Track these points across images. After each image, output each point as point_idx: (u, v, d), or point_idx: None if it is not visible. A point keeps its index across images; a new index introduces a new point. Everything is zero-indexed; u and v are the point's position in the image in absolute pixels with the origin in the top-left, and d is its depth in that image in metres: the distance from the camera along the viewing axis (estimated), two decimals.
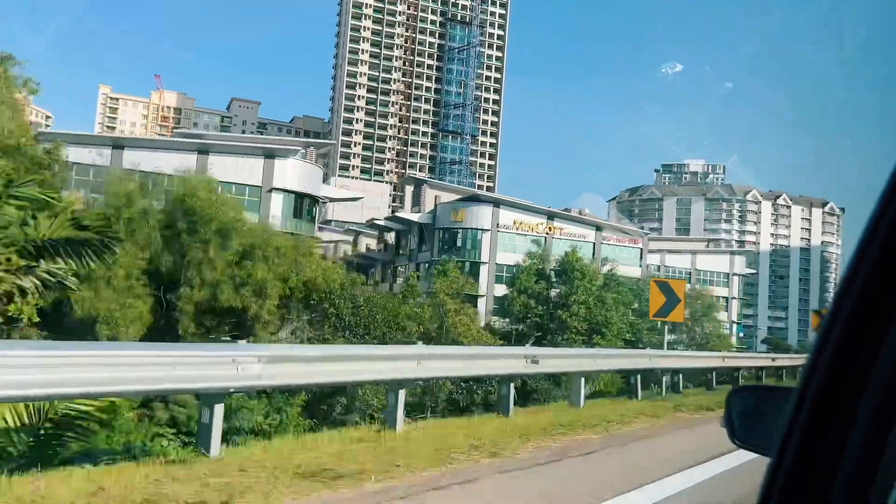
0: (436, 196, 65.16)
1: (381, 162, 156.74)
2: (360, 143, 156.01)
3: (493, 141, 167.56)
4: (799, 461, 1.01)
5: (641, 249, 67.62)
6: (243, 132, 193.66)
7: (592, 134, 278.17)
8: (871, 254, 0.99)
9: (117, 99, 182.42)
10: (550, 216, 64.91)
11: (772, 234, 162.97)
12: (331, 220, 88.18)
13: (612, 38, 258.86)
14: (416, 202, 67.95)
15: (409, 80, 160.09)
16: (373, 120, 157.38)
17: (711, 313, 48.12)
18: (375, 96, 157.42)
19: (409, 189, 71.47)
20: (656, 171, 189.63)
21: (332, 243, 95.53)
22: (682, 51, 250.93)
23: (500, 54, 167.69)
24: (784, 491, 1.01)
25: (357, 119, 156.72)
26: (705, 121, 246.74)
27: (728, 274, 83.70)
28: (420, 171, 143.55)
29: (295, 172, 48.47)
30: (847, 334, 1.00)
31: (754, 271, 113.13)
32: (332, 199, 67.89)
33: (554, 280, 42.06)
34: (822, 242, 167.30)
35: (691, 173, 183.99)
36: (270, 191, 47.14)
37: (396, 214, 63.91)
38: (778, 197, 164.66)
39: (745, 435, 1.72)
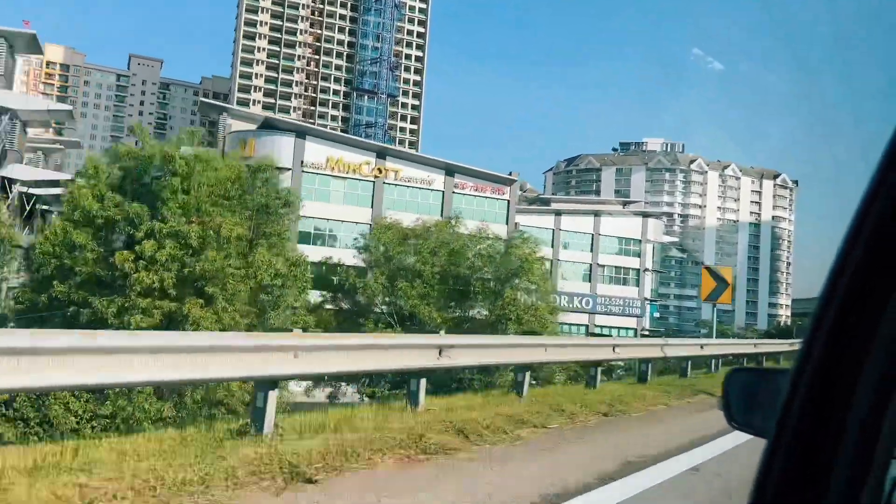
0: (228, 125, 48.31)
1: None
2: (259, 102, 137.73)
3: (416, 103, 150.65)
4: (796, 443, 1.01)
5: (508, 202, 51.51)
6: (143, 93, 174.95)
7: (536, 104, 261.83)
8: (864, 233, 0.96)
9: None
10: (381, 154, 48.46)
11: (719, 208, 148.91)
12: None
13: None
14: (213, 137, 51.03)
15: (318, 31, 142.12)
16: (275, 76, 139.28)
17: (526, 276, 30.96)
18: (278, 48, 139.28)
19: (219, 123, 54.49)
20: (614, 149, 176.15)
21: None
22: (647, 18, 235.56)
23: (423, 6, 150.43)
24: (781, 473, 1.01)
25: (257, 74, 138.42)
26: (667, 97, 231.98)
27: (640, 241, 68.30)
28: None
29: None
30: (842, 315, 0.99)
31: (675, 239, 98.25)
32: None
33: (133, 195, 24.45)
34: (774, 217, 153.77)
35: (649, 152, 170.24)
36: None
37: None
38: (726, 167, 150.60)
39: (742, 417, 1.72)
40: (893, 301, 0.96)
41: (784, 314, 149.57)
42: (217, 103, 55.77)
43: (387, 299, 28.94)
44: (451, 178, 49.93)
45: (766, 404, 1.51)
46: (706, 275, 20.77)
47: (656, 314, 72.86)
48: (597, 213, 66.98)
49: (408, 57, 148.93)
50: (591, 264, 66.66)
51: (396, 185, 48.10)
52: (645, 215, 69.08)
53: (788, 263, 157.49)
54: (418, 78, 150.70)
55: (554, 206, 70.43)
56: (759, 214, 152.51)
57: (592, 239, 66.21)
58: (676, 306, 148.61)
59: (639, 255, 68.29)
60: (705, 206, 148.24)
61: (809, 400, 1.00)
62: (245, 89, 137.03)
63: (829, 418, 0.98)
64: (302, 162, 45.50)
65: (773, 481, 1.01)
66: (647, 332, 68.09)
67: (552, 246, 65.93)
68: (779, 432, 1.02)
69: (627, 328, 68.23)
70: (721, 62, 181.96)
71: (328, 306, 32.22)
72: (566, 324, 67.91)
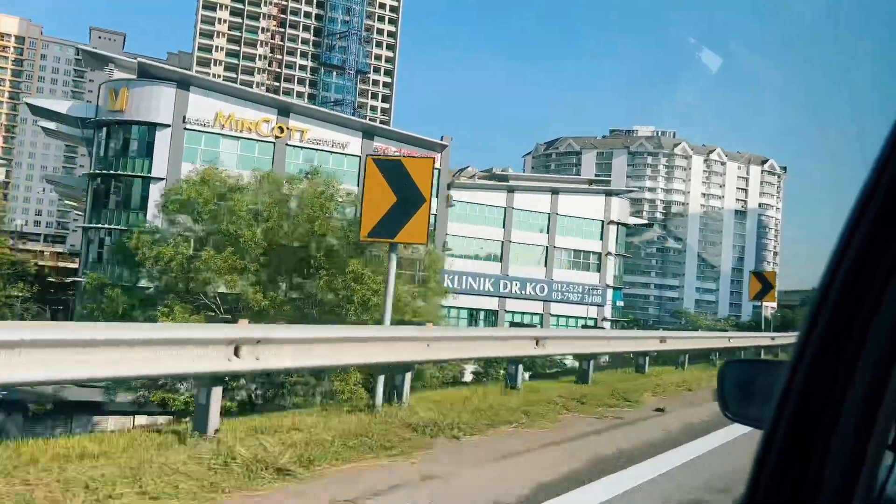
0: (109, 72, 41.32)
1: None
2: (220, 76, 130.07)
3: (389, 80, 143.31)
4: (791, 434, 1.02)
5: (439, 171, 44.64)
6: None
7: (524, 90, 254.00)
8: (865, 224, 0.96)
9: None
10: (284, 111, 41.52)
11: (703, 195, 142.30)
12: None
13: None
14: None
15: (284, 2, 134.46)
16: (237, 49, 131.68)
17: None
18: (241, 20, 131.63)
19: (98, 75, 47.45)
20: (604, 137, 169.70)
21: None
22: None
23: None
24: (776, 463, 1.02)
25: (217, 47, 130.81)
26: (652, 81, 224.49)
27: (602, 222, 61.58)
28: None
29: None
30: (838, 308, 0.99)
31: (644, 221, 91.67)
32: None
33: None
34: (760, 205, 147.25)
35: (633, 137, 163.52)
36: None
37: (30, 102, 39.84)
38: (711, 152, 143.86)
39: (737, 408, 1.74)
40: (889, 294, 0.94)
41: (770, 305, 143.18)
42: (101, 52, 48.76)
43: (192, 276, 22.20)
44: (370, 140, 42.98)
45: (762, 396, 1.52)
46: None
47: (620, 302, 66.19)
48: (555, 191, 60.17)
49: (380, 32, 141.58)
50: (546, 247, 59.92)
51: (302, 147, 41.18)
52: (608, 194, 62.27)
53: (775, 253, 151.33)
54: (391, 54, 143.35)
55: (511, 182, 63.61)
56: (745, 201, 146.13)
57: (549, 219, 59.49)
58: (657, 296, 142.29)
59: (601, 238, 61.61)
60: (689, 192, 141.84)
61: (805, 391, 0.99)
62: (205, 63, 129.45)
63: (824, 409, 0.97)
64: (185, 118, 38.53)
65: (768, 471, 1.01)
66: (609, 322, 61.57)
67: (503, 226, 59.31)
68: (774, 423, 1.01)
69: (587, 318, 61.67)
70: (713, 49, 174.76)
71: (143, 284, 25.57)
72: (518, 312, 61.35)
